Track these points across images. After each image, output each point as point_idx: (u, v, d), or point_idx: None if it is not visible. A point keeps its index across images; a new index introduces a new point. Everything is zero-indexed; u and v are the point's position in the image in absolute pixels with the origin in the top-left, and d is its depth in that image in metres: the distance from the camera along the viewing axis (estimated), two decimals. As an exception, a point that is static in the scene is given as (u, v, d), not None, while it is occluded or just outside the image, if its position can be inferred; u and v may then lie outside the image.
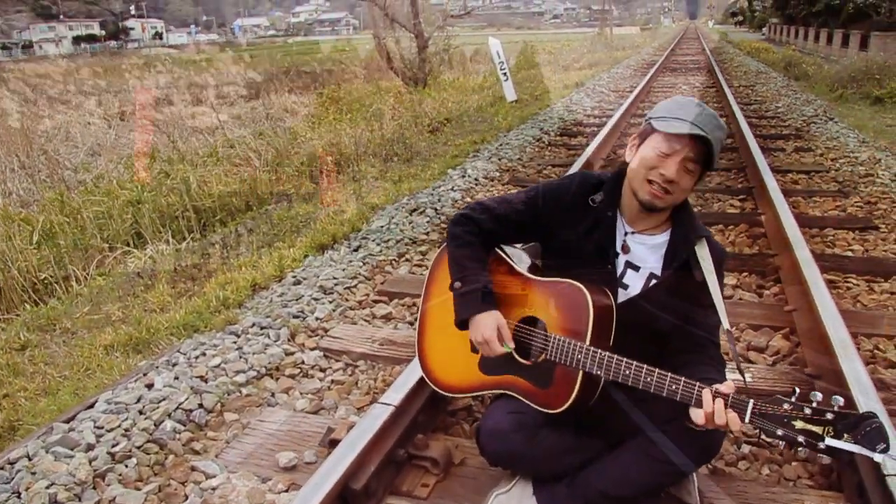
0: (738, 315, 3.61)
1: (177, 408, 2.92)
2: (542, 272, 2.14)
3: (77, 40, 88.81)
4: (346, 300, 4.05)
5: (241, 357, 3.35)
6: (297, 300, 4.01)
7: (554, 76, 20.18)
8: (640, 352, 1.86)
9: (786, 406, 1.60)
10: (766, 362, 3.19)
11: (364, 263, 4.58)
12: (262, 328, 3.66)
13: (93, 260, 6.51)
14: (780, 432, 1.60)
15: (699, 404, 1.69)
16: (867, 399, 2.45)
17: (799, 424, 1.58)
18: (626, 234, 2.01)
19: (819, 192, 5.98)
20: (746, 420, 1.64)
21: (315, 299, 4.01)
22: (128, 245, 6.85)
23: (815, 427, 1.56)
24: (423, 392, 2.62)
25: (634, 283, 2.00)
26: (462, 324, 2.06)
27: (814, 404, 1.58)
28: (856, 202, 5.63)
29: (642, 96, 13.35)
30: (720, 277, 1.97)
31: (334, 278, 4.28)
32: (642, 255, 2.01)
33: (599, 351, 1.85)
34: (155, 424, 2.80)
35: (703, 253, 1.94)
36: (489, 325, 1.98)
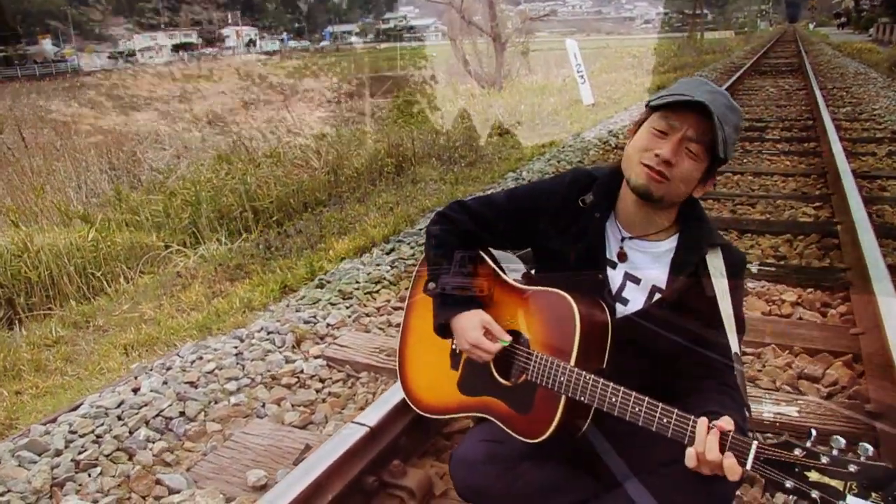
0: (794, 337, 3.15)
1: (157, 415, 2.74)
2: (534, 282, 1.82)
3: (175, 48, 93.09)
4: (364, 306, 3.81)
5: (237, 363, 3.16)
6: (312, 304, 3.81)
7: (636, 80, 19.53)
8: (642, 377, 1.55)
9: (798, 452, 1.25)
10: (818, 394, 2.74)
11: (392, 267, 4.34)
12: (268, 333, 3.46)
13: (145, 258, 6.55)
14: (789, 484, 1.25)
15: (692, 441, 1.37)
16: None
17: (814, 476, 1.23)
18: (622, 239, 1.68)
19: (907, 200, 5.35)
20: (748, 466, 1.30)
21: (332, 304, 3.80)
22: (184, 244, 6.88)
23: (835, 481, 1.21)
24: (410, 412, 2.34)
25: (635, 298, 1.67)
26: (441, 329, 1.78)
27: (834, 452, 1.22)
28: (951, 211, 4.99)
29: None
30: (739, 288, 1.62)
31: (357, 282, 4.05)
32: (644, 265, 1.68)
33: (583, 373, 1.54)
34: (129, 431, 2.64)
35: (715, 263, 1.61)
36: (474, 325, 1.69)
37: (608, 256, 1.68)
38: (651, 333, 1.63)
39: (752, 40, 49.28)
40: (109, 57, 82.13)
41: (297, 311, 3.74)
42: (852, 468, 1.19)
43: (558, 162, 7.60)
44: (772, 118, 10.11)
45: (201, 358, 3.22)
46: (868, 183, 5.81)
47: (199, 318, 4.28)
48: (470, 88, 16.96)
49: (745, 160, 7.32)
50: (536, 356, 1.63)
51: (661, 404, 1.43)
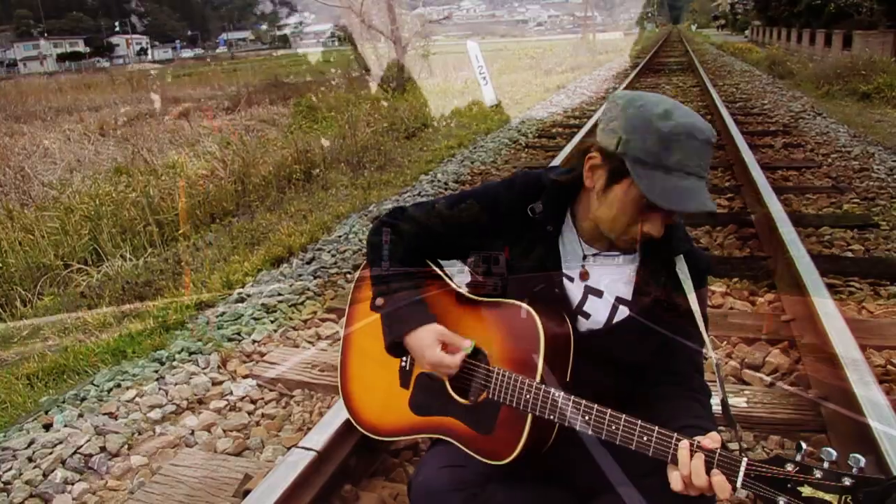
0: (728, 327, 3.19)
1: (74, 452, 2.47)
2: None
3: (61, 58, 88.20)
4: (290, 319, 3.61)
5: (160, 389, 2.91)
6: (235, 320, 3.58)
7: (535, 80, 19.87)
8: (604, 386, 1.47)
9: (790, 467, 1.19)
10: (762, 383, 2.77)
11: (315, 277, 4.14)
12: (190, 353, 3.22)
13: (43, 280, 6.07)
14: (782, 501, 1.18)
15: (675, 460, 1.28)
16: (886, 427, 2.03)
17: (807, 491, 1.16)
18: (584, 257, 1.55)
19: (812, 189, 5.59)
20: (738, 485, 1.23)
21: (255, 319, 3.58)
22: (85, 262, 6.41)
23: (829, 495, 1.15)
24: (356, 432, 2.18)
25: (598, 311, 1.55)
26: (394, 348, 1.62)
27: (826, 465, 1.16)
28: (852, 199, 5.24)
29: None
30: (703, 289, 1.54)
31: (279, 295, 3.84)
32: (606, 277, 1.56)
33: (551, 391, 1.43)
34: (44, 474, 2.36)
35: (681, 268, 1.51)
36: (430, 343, 1.53)
37: (566, 272, 1.55)
38: (616, 346, 1.54)
39: (641, 41, 51.29)
40: (-13, 66, 77.00)
41: (219, 328, 3.50)
42: (847, 481, 1.13)
43: (472, 163, 7.56)
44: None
45: (119, 385, 2.95)
46: (771, 174, 6.05)
47: (110, 340, 3.96)
48: (375, 93, 16.77)
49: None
50: (498, 373, 1.51)
51: (639, 421, 1.33)
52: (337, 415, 2.24)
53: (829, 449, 1.16)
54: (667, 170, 1.27)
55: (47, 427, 2.65)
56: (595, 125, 1.43)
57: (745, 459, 1.22)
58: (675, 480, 1.27)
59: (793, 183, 5.92)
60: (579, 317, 1.55)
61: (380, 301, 1.62)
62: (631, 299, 1.53)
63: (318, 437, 2.12)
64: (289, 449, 2.44)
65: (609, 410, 1.35)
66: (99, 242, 6.89)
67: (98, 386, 2.96)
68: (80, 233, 6.99)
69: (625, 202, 1.36)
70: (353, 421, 1.77)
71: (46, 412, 2.76)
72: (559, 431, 1.52)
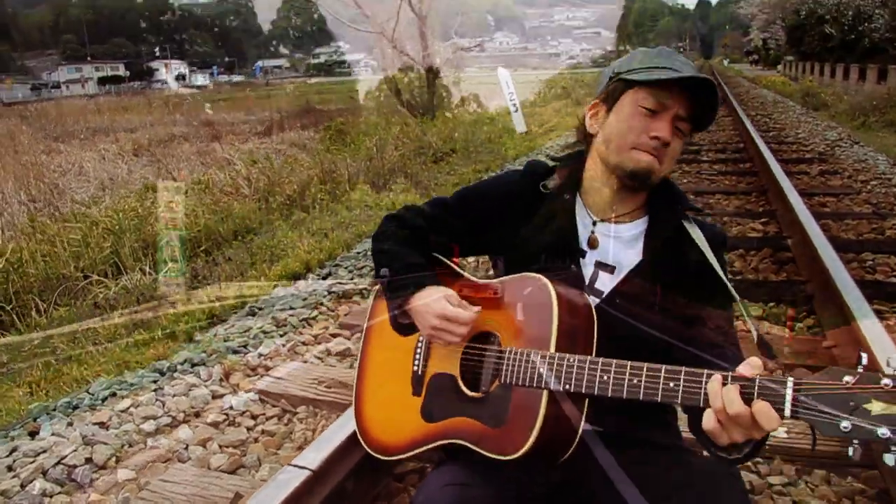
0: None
1: (57, 463, 2.32)
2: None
3: (102, 81, 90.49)
4: (300, 334, 3.46)
5: (157, 400, 2.76)
6: (243, 333, 3.43)
7: (566, 109, 19.79)
8: None
9: (848, 379, 0.96)
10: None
11: (329, 293, 4.00)
12: (193, 365, 3.07)
13: (62, 291, 6.05)
14: (846, 425, 0.94)
15: (708, 402, 1.08)
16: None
17: (878, 408, 0.93)
18: (593, 223, 1.45)
19: (851, 215, 5.35)
20: (787, 411, 1.00)
21: (265, 332, 3.43)
22: (105, 275, 6.39)
23: None
24: (356, 451, 2.00)
25: (609, 288, 1.42)
26: (399, 318, 1.48)
27: (893, 371, 0.94)
28: (895, 224, 4.99)
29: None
30: (721, 265, 1.38)
31: (291, 308, 3.69)
32: (616, 251, 1.45)
33: (565, 356, 1.27)
34: (21, 485, 2.21)
35: (693, 231, 1.40)
36: (437, 299, 1.41)
37: (580, 245, 1.45)
38: (629, 319, 1.37)
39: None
40: (32, 88, 79.14)
41: (225, 340, 3.36)
42: None
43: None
44: (704, 142, 10.25)
45: (115, 395, 2.81)
46: (808, 200, 5.80)
47: (116, 351, 3.86)
48: (403, 117, 16.79)
49: (684, 181, 7.30)
50: (510, 352, 1.35)
51: (663, 367, 1.16)
52: (337, 432, 2.07)
53: None
54: (657, 68, 1.33)
55: (33, 435, 2.52)
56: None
57: (791, 379, 1.01)
58: (708, 419, 1.08)
59: (830, 209, 5.67)
60: (591, 297, 1.41)
61: (384, 271, 1.49)
62: (641, 265, 1.41)
63: (315, 455, 1.95)
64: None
65: (629, 363, 1.20)
66: (120, 256, 6.87)
67: (93, 395, 2.82)
68: (102, 246, 6.99)
69: (629, 111, 1.35)
70: (363, 442, 1.62)
71: (35, 419, 2.62)
72: (578, 448, 1.35)
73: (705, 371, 1.10)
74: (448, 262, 1.58)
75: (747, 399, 1.03)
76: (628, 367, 1.19)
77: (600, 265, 1.43)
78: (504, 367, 1.35)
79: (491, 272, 1.61)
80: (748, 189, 6.60)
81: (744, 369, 1.06)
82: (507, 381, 1.34)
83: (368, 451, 1.60)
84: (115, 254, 6.91)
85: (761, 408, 1.01)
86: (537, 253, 1.44)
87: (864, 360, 0.98)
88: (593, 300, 1.40)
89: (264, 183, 9.17)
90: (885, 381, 0.93)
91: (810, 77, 27.95)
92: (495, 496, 1.36)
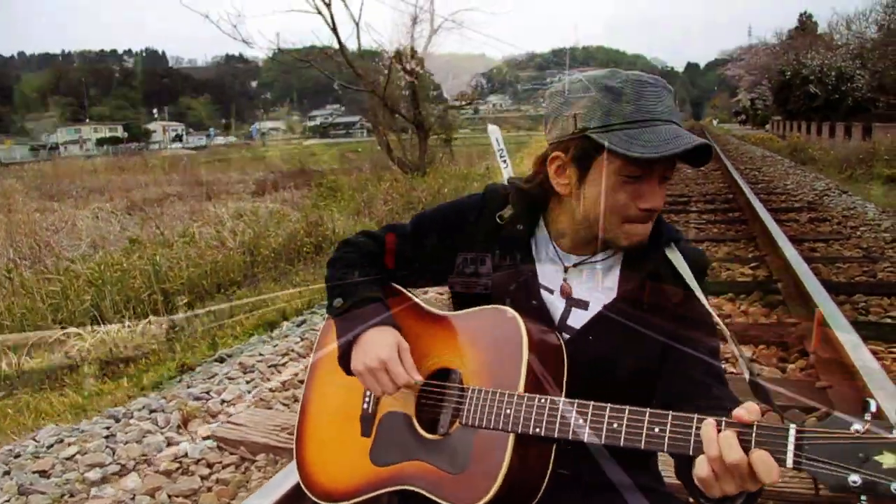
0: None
1: (-13, 517, 2.13)
2: None
3: (100, 142, 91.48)
4: (268, 380, 3.28)
5: (106, 447, 2.58)
6: (208, 379, 3.26)
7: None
8: None
9: (857, 428, 0.84)
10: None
11: (302, 339, 3.83)
12: (150, 412, 2.89)
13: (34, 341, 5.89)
14: (855, 479, 0.82)
15: (700, 449, 0.95)
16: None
17: (890, 460, 0.81)
18: (565, 269, 1.29)
19: (843, 259, 5.25)
20: (789, 461, 0.88)
21: (230, 378, 3.26)
22: (84, 326, 6.25)
23: None
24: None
25: (583, 325, 1.27)
26: (345, 358, 1.32)
27: None
28: (887, 268, 4.88)
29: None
30: (703, 290, 1.23)
31: (260, 354, 3.53)
32: (591, 283, 1.29)
33: (535, 397, 1.12)
34: (-55, 542, 2.02)
35: (675, 258, 1.25)
36: (386, 343, 1.26)
37: (542, 281, 1.30)
38: (605, 357, 1.23)
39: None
40: (31, 149, 79.93)
41: (188, 386, 3.18)
42: None
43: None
44: (693, 193, 10.24)
45: (61, 441, 2.62)
46: (798, 246, 5.71)
47: (78, 399, 3.68)
48: (394, 174, 16.86)
49: (673, 229, 7.23)
50: (473, 391, 1.20)
51: (648, 410, 1.02)
52: (289, 476, 1.89)
53: None
54: (634, 123, 1.10)
55: (-33, 486, 2.32)
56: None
57: (794, 426, 0.88)
58: (701, 466, 0.94)
59: (821, 254, 5.57)
60: (563, 333, 1.26)
61: (338, 302, 1.35)
62: (616, 297, 1.26)
63: (262, 502, 1.77)
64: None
65: (609, 405, 1.06)
66: (101, 309, 6.73)
67: (38, 441, 2.63)
68: (82, 298, 6.86)
69: (608, 183, 1.15)
70: (304, 487, 1.44)
71: (-27, 469, 2.44)
72: (551, 480, 1.20)
73: (695, 416, 0.97)
74: (405, 290, 1.45)
75: (745, 447, 0.91)
76: (608, 410, 1.06)
77: (573, 301, 1.29)
78: (466, 408, 1.20)
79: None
80: (738, 237, 6.52)
81: (741, 414, 0.93)
82: (469, 423, 1.20)
83: (311, 497, 1.43)
84: (95, 307, 6.78)
85: (760, 457, 0.89)
86: (493, 288, 1.30)
87: (873, 408, 0.86)
88: (566, 337, 1.26)
89: (249, 236, 9.08)
90: None
91: (797, 134, 28.38)
92: None
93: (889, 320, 3.77)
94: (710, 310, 1.18)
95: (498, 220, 1.31)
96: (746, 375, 1.08)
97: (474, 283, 1.32)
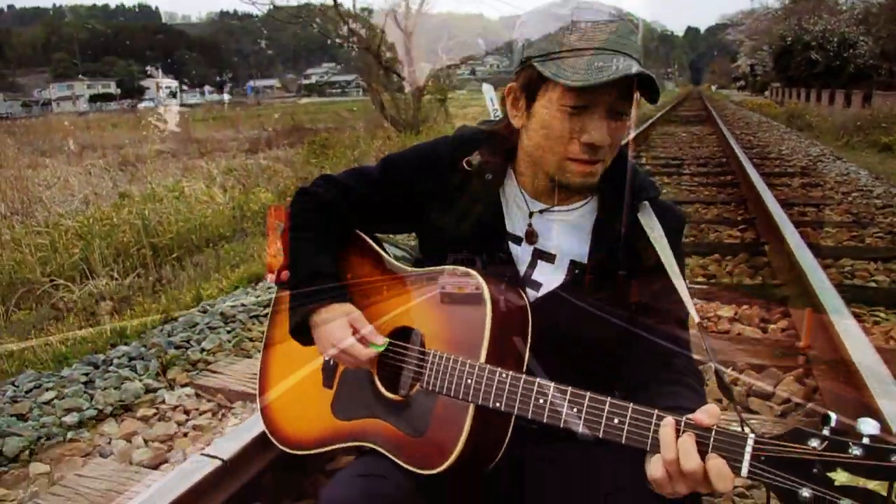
0: (736, 353, 2.82)
1: (-39, 457, 2.13)
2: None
3: (93, 99, 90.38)
4: (249, 330, 3.27)
5: (84, 392, 2.57)
6: (189, 328, 3.25)
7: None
8: (573, 379, 1.08)
9: (815, 443, 0.83)
10: (773, 413, 2.39)
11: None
12: (130, 359, 2.88)
13: (22, 294, 5.88)
14: (806, 493, 0.82)
15: (657, 448, 0.93)
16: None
17: (842, 478, 0.81)
18: (530, 214, 1.25)
19: (831, 223, 5.24)
20: (744, 471, 0.87)
21: (211, 328, 3.25)
22: (73, 281, 6.22)
23: (874, 483, 0.79)
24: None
25: (550, 281, 1.23)
26: (297, 331, 1.29)
27: (866, 440, 0.81)
28: (875, 233, 4.87)
29: (637, 141, 12.65)
30: (678, 254, 1.19)
31: (243, 305, 3.52)
32: (558, 237, 1.25)
33: (497, 370, 1.09)
34: (-83, 479, 2.02)
35: (648, 221, 1.20)
36: (340, 324, 1.23)
37: (511, 230, 1.26)
38: (575, 319, 1.20)
39: (661, 97, 51.50)
40: (23, 105, 78.94)
41: (169, 335, 3.17)
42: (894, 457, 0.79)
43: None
44: (687, 157, 10.19)
45: (40, 386, 2.61)
46: (788, 209, 5.69)
47: (61, 349, 3.67)
48: (387, 131, 16.70)
49: (664, 191, 7.18)
50: (434, 356, 1.17)
51: (609, 398, 1.00)
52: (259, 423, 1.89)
53: (869, 419, 0.82)
54: (580, 52, 1.06)
55: (-58, 427, 2.32)
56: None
57: (753, 436, 0.87)
58: (656, 467, 0.92)
59: (811, 218, 5.56)
60: (528, 289, 1.22)
61: (286, 275, 1.32)
62: (588, 259, 1.21)
63: (230, 445, 1.77)
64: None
65: (570, 388, 1.03)
66: (90, 262, 6.70)
67: (17, 387, 2.63)
68: (71, 252, 6.83)
69: (551, 112, 1.10)
70: (271, 436, 1.43)
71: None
72: (508, 447, 1.18)
73: (656, 411, 0.95)
74: (373, 244, 1.40)
75: (702, 452, 0.90)
76: (568, 394, 1.03)
77: (540, 254, 1.25)
78: (426, 372, 1.18)
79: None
80: (728, 199, 6.49)
81: (701, 418, 0.91)
82: (430, 388, 1.17)
83: (278, 445, 1.42)
84: (84, 260, 6.75)
85: (716, 465, 0.88)
86: (463, 239, 1.26)
87: (833, 422, 0.85)
88: (531, 293, 1.23)
89: (239, 191, 9.02)
90: (855, 450, 0.80)
91: (795, 101, 28.18)
92: (412, 491, 1.16)
93: (874, 284, 3.77)
94: (680, 282, 1.14)
95: (465, 165, 1.25)
96: (716, 376, 1.06)
97: (441, 234, 1.28)
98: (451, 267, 1.20)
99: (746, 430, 0.90)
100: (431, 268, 1.24)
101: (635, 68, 1.03)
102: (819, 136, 13.69)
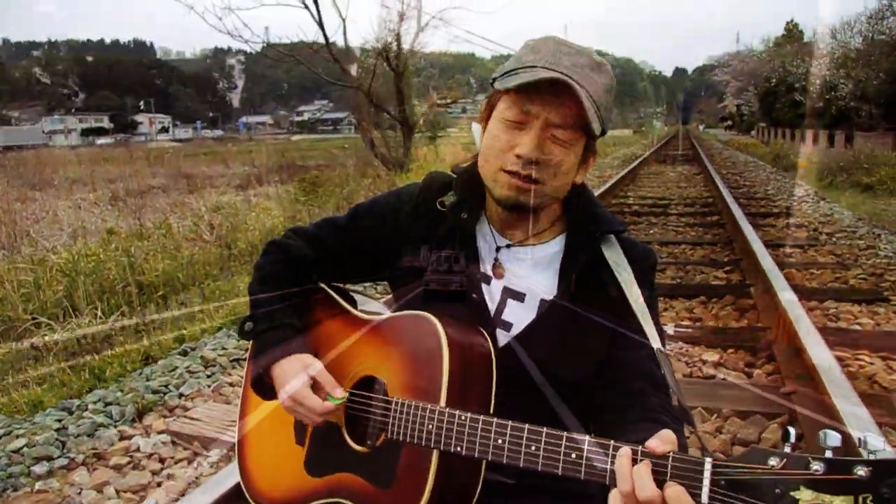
0: (720, 399, 2.80)
1: (-75, 510, 2.06)
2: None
3: (86, 133, 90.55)
4: (229, 374, 3.22)
5: (56, 440, 2.51)
6: (168, 372, 3.20)
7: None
8: (543, 421, 1.06)
9: (774, 462, 0.79)
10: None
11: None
12: (106, 404, 2.83)
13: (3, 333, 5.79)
14: None
15: (614, 479, 0.90)
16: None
17: (806, 496, 0.77)
18: (497, 248, 1.25)
19: (816, 265, 5.26)
20: (704, 496, 0.83)
21: (191, 372, 3.20)
22: (56, 319, 6.14)
23: (840, 498, 0.75)
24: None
25: (520, 319, 1.22)
26: (258, 384, 1.28)
27: (828, 454, 0.77)
28: (859, 275, 4.89)
29: (626, 181, 12.76)
30: (648, 291, 1.19)
31: (223, 348, 3.47)
32: (526, 275, 1.24)
33: (456, 413, 1.07)
34: None
35: (613, 255, 1.21)
36: (296, 375, 1.20)
37: (485, 272, 1.25)
38: (546, 359, 1.18)
39: (648, 137, 52.13)
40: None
41: (147, 379, 3.12)
42: (861, 472, 0.74)
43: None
44: (674, 196, 10.25)
45: (10, 433, 2.55)
46: (773, 251, 5.71)
47: (37, 392, 3.60)
48: (376, 170, 16.77)
49: (651, 231, 7.22)
50: (396, 404, 1.15)
51: (565, 434, 0.97)
52: (234, 473, 1.84)
53: (831, 431, 0.78)
54: (531, 68, 1.10)
55: None
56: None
57: (709, 460, 0.84)
58: (615, 501, 0.89)
59: (795, 260, 5.58)
60: (499, 329, 1.20)
61: (248, 325, 1.30)
62: (556, 296, 1.20)
63: (202, 498, 1.72)
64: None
65: (526, 426, 1.00)
66: (73, 300, 6.62)
67: (-13, 435, 2.56)
68: (56, 288, 6.75)
69: (496, 125, 1.15)
70: (244, 489, 1.40)
71: (-87, 461, 2.36)
72: (482, 493, 1.15)
73: (612, 443, 0.92)
74: (336, 296, 1.39)
75: (660, 481, 0.86)
76: (525, 432, 1.00)
77: (509, 292, 1.23)
78: (391, 421, 1.15)
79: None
80: (714, 240, 6.52)
81: (654, 445, 0.88)
82: (394, 437, 1.15)
83: (249, 499, 1.39)
84: (68, 297, 6.67)
85: (675, 493, 0.84)
86: (435, 282, 1.23)
87: (792, 437, 0.82)
88: (502, 335, 1.21)
89: (227, 229, 8.99)
90: (815, 465, 0.77)
91: (780, 141, 28.57)
92: None
93: (858, 327, 3.76)
94: (645, 314, 1.13)
95: (438, 206, 1.25)
96: (674, 398, 1.05)
97: (413, 280, 1.26)
98: (409, 312, 1.19)
99: (703, 455, 0.87)
100: (392, 314, 1.23)
101: (550, 74, 1.06)
102: (804, 177, 13.84)
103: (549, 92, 1.08)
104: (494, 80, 1.16)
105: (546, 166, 1.12)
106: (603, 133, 1.15)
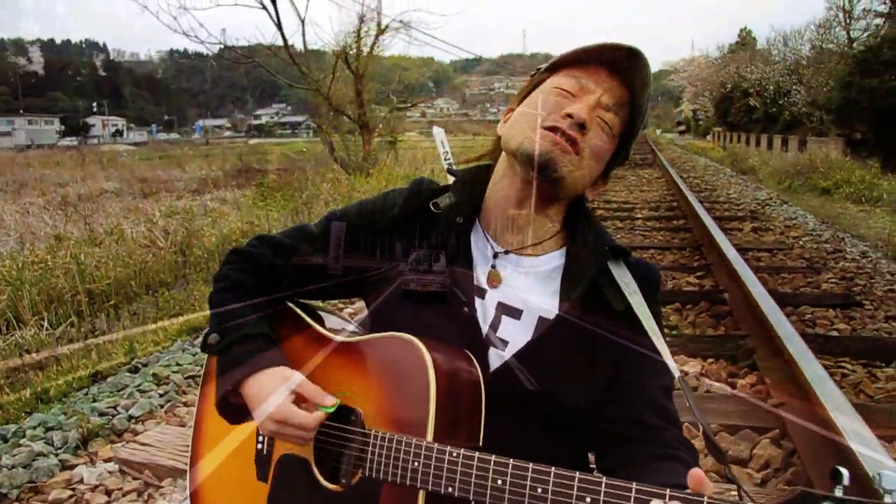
0: (707, 412, 2.67)
1: None
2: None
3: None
4: (183, 393, 3.00)
5: (-12, 473, 2.27)
6: (116, 392, 2.96)
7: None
8: (541, 454, 0.92)
9: None
10: (751, 480, 2.23)
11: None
12: (47, 430, 2.58)
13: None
14: None
15: None
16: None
17: None
18: (494, 255, 1.11)
19: (787, 269, 5.22)
20: None
21: (141, 391, 2.96)
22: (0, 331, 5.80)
23: None
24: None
25: (517, 338, 1.07)
26: (224, 405, 1.10)
27: (887, 498, 0.65)
28: (830, 279, 4.86)
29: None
30: (655, 311, 1.06)
31: (178, 364, 3.24)
32: (523, 289, 1.10)
33: (447, 449, 0.92)
34: None
35: (618, 270, 1.08)
36: (277, 391, 1.04)
37: (479, 284, 1.10)
38: (545, 381, 1.03)
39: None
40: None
41: (94, 400, 2.87)
42: None
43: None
44: (637, 201, 10.24)
45: (-66, 468, 2.29)
46: (742, 255, 5.67)
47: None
48: (336, 174, 16.52)
49: (618, 236, 7.15)
50: (376, 437, 0.99)
51: (577, 474, 0.82)
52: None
53: (887, 472, 0.66)
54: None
55: None
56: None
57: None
58: None
59: (765, 264, 5.55)
60: (494, 349, 1.06)
61: (213, 338, 1.11)
62: (558, 314, 1.06)
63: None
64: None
65: (531, 465, 0.86)
66: (18, 310, 6.27)
67: None
68: (-1, 298, 6.40)
69: (543, 94, 1.06)
70: None
71: None
72: None
73: (634, 485, 0.77)
74: (304, 315, 1.21)
75: None
76: (530, 471, 0.85)
77: (504, 308, 1.09)
78: (369, 457, 0.99)
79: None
80: (682, 245, 6.46)
81: (691, 487, 0.75)
82: (374, 476, 0.98)
83: None
84: (12, 307, 6.32)
85: None
86: (422, 295, 1.09)
87: (846, 480, 0.68)
88: (497, 353, 1.06)
89: (182, 235, 8.69)
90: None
91: (737, 144, 29.12)
92: None
93: (836, 333, 3.70)
94: (658, 336, 1.01)
95: (432, 207, 1.12)
96: (703, 436, 0.92)
97: (394, 291, 1.11)
98: (389, 334, 1.03)
99: (745, 499, 0.73)
100: (371, 335, 1.07)
101: (624, 44, 1.02)
102: (762, 180, 14.04)
103: (608, 67, 1.04)
104: (538, 71, 1.11)
105: (587, 139, 1.03)
106: (633, 136, 1.10)
